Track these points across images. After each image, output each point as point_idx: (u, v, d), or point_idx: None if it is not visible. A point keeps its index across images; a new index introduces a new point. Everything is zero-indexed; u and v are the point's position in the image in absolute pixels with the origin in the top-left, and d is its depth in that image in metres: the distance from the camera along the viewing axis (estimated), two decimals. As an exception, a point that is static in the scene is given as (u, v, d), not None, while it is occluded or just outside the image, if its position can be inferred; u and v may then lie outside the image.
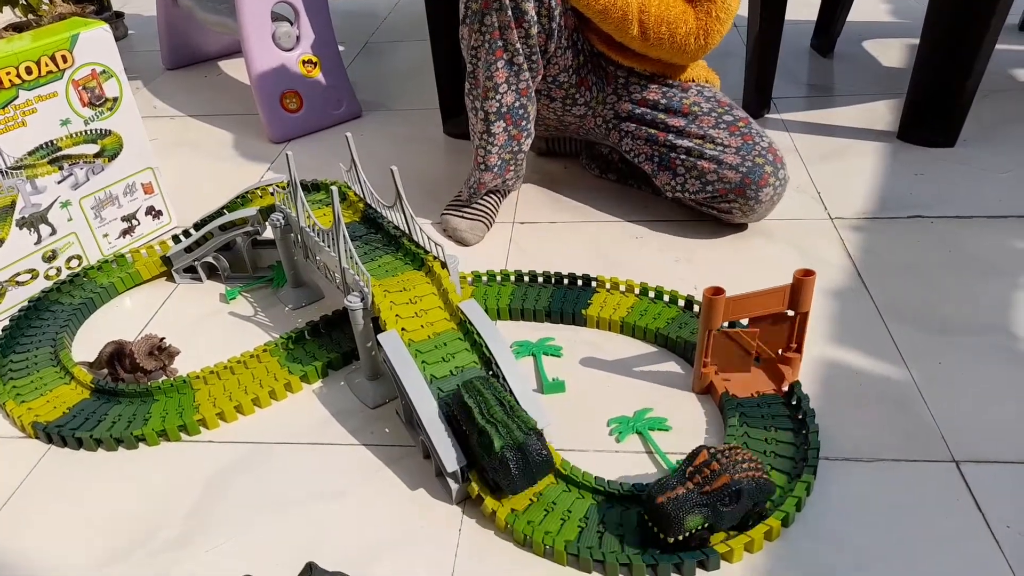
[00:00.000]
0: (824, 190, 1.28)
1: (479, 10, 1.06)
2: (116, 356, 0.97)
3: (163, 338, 0.97)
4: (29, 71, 1.05)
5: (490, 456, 0.73)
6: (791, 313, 0.86)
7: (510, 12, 1.05)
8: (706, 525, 0.69)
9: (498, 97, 1.12)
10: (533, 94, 1.15)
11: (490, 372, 0.84)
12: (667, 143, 1.16)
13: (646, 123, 1.19)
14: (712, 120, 1.14)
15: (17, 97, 1.05)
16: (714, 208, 1.15)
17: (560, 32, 1.11)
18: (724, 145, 1.12)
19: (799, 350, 0.88)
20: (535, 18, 1.07)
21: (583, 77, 1.19)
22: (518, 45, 1.08)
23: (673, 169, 1.16)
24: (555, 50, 1.13)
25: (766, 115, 1.55)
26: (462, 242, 1.21)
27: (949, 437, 0.82)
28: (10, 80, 1.04)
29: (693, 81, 1.20)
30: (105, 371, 0.98)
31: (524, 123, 1.16)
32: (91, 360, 1.00)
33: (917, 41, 1.36)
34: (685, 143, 1.14)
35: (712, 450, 0.71)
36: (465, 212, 1.22)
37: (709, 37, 1.10)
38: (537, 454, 0.74)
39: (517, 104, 1.13)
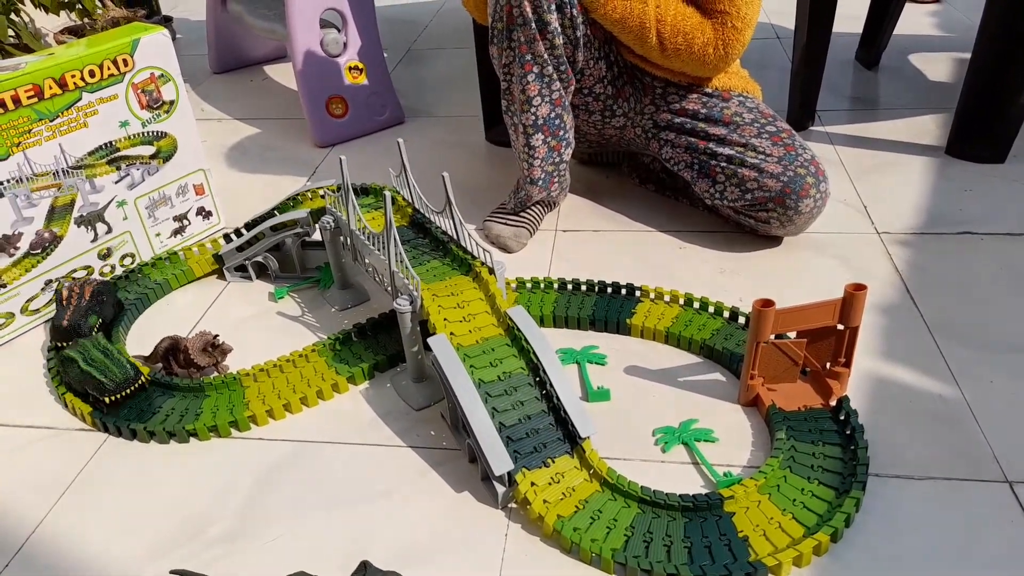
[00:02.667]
0: (870, 204, 1.27)
1: (504, 28, 1.09)
2: (171, 351, 0.99)
3: (217, 335, 1.00)
4: (92, 74, 1.08)
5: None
6: (841, 327, 0.85)
7: (534, 25, 1.07)
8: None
9: (533, 110, 1.13)
10: (568, 104, 1.16)
11: (537, 379, 0.84)
12: (707, 151, 1.16)
13: (686, 132, 1.19)
14: (754, 130, 1.14)
15: (80, 99, 1.08)
16: (752, 217, 1.15)
17: (589, 43, 1.12)
18: (766, 154, 1.11)
19: (848, 364, 0.87)
20: (559, 29, 1.08)
21: (620, 88, 1.20)
22: (545, 56, 1.09)
23: (713, 176, 1.16)
24: (586, 60, 1.14)
25: (810, 127, 1.54)
26: (505, 248, 1.22)
27: (1002, 457, 0.81)
28: (74, 83, 1.07)
29: (733, 91, 1.20)
30: (160, 365, 1.00)
31: (562, 133, 1.17)
32: (147, 354, 1.03)
33: (963, 55, 1.34)
34: (726, 151, 1.14)
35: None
36: (509, 220, 1.23)
37: (728, 47, 1.09)
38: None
39: (552, 115, 1.15)
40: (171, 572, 0.73)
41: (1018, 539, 0.73)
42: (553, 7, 1.06)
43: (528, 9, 1.06)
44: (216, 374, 0.99)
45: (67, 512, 0.83)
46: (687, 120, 1.18)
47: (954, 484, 0.78)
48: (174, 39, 2.35)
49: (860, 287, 0.82)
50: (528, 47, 1.09)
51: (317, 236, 1.17)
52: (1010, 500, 0.76)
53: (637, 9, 1.07)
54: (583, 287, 1.09)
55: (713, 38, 1.09)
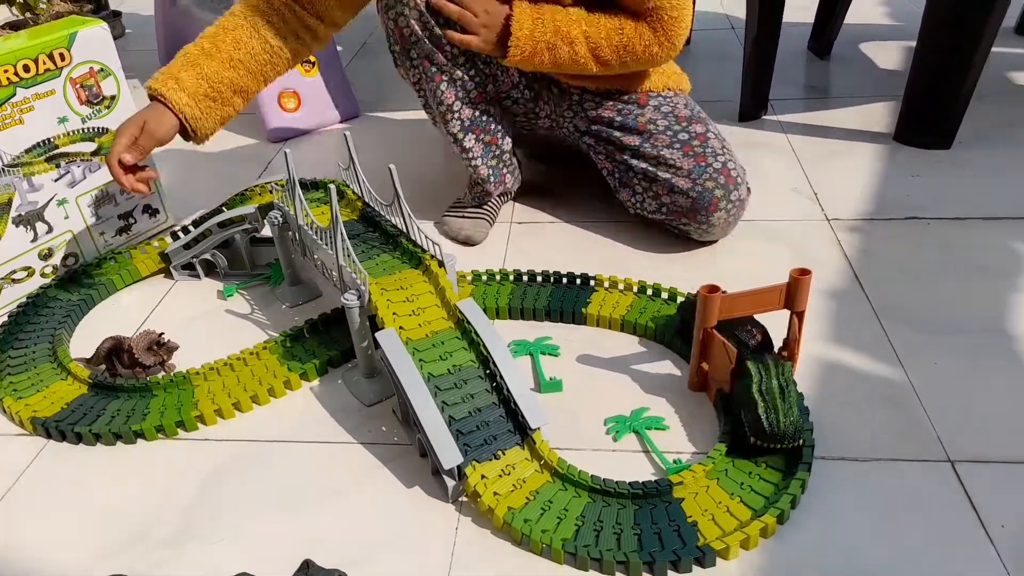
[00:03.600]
0: (821, 191, 1.29)
1: (401, 49, 1.10)
2: (114, 351, 0.97)
3: (162, 333, 0.97)
4: (27, 69, 1.05)
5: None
6: (787, 312, 0.86)
7: (427, 42, 1.06)
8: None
9: (455, 115, 1.13)
10: (491, 94, 1.15)
11: (487, 371, 0.84)
12: (624, 162, 1.15)
13: (603, 140, 1.18)
14: (667, 139, 1.12)
15: (15, 95, 1.05)
16: (672, 227, 1.15)
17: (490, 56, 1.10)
18: (676, 168, 1.10)
19: (795, 350, 0.88)
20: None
21: (538, 92, 1.19)
22: (448, 63, 1.09)
23: (632, 187, 1.15)
24: (496, 68, 1.13)
25: (763, 117, 1.56)
26: (469, 241, 1.21)
27: (944, 437, 0.82)
28: (8, 78, 1.03)
29: (653, 91, 1.17)
30: (103, 367, 0.97)
31: (493, 126, 1.16)
32: (88, 356, 1.00)
33: (914, 43, 1.36)
34: (640, 165, 1.13)
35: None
36: (467, 212, 1.23)
37: (672, 38, 1.05)
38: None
39: (477, 114, 1.14)
40: (111, 578, 0.71)
41: (959, 516, 0.74)
42: (441, 20, 1.05)
43: (417, 27, 1.05)
44: (163, 373, 0.97)
45: (4, 520, 0.81)
46: (603, 128, 1.17)
47: (898, 465, 0.80)
48: (123, 34, 2.30)
49: (805, 272, 0.83)
50: (429, 60, 1.08)
51: (267, 232, 1.15)
52: (951, 478, 0.78)
53: (566, 53, 1.04)
54: (538, 278, 1.09)
55: (653, 37, 1.05)
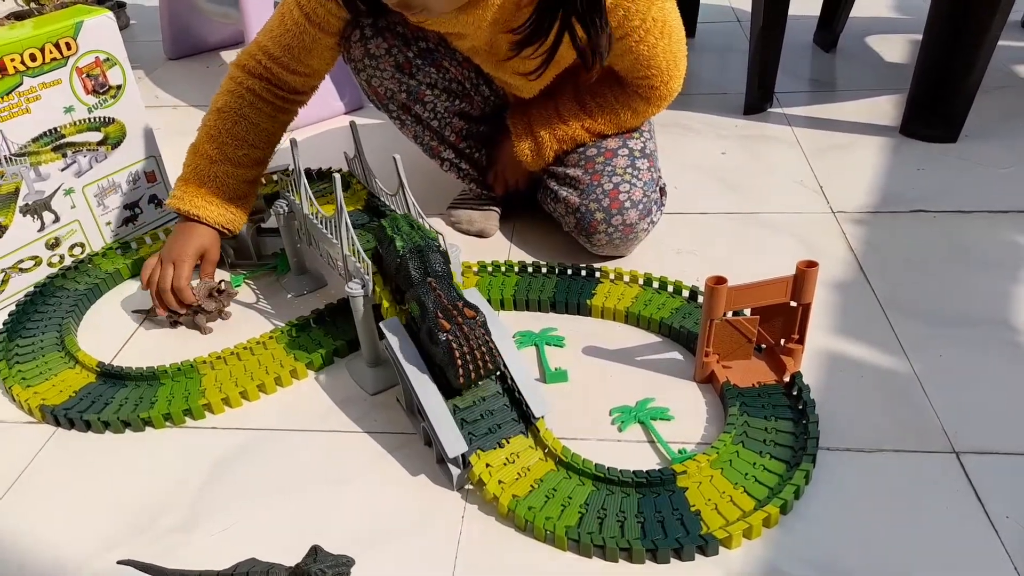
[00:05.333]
0: (826, 184, 1.29)
1: (381, 105, 1.13)
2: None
3: (221, 280, 1.03)
4: (33, 58, 1.05)
5: (395, 256, 0.82)
6: (794, 304, 0.86)
7: (404, 94, 1.09)
8: None
9: (444, 150, 1.17)
10: (476, 112, 1.16)
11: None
12: (547, 172, 1.14)
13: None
14: (577, 156, 1.10)
15: (21, 84, 1.05)
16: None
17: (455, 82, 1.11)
18: (571, 187, 1.08)
19: (801, 341, 0.88)
20: (421, 83, 1.09)
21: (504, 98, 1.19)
22: (427, 111, 1.12)
23: (550, 197, 1.13)
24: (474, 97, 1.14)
25: (769, 110, 1.55)
26: (482, 233, 1.21)
27: (949, 428, 0.82)
28: (14, 67, 1.04)
29: None
30: (165, 312, 1.03)
31: (479, 154, 1.19)
32: (146, 308, 1.05)
33: (919, 37, 1.36)
34: (552, 184, 1.12)
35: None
36: (475, 203, 1.23)
37: (669, 95, 1.05)
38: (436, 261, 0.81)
39: (463, 145, 1.17)
40: (119, 562, 0.71)
41: (963, 507, 0.74)
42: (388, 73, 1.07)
43: (392, 86, 1.08)
44: (219, 319, 1.04)
45: (13, 508, 0.81)
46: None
47: (902, 456, 0.80)
48: (128, 25, 2.30)
49: (812, 264, 0.83)
50: (407, 112, 1.12)
51: (272, 222, 1.15)
52: (956, 470, 0.78)
53: (569, 147, 1.09)
54: (543, 270, 1.09)
55: (648, 106, 1.07)
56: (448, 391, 0.80)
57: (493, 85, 1.14)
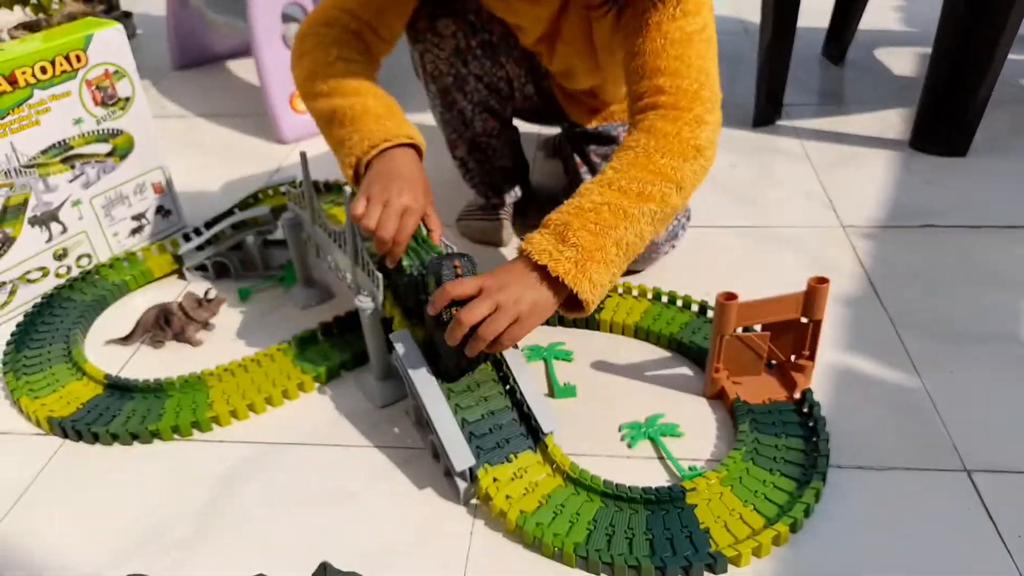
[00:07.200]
0: (836, 198, 1.28)
1: (424, 82, 1.12)
2: (163, 315, 1.01)
3: (207, 290, 1.03)
4: (44, 71, 1.06)
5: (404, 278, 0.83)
6: (804, 320, 0.86)
7: (450, 77, 1.08)
8: None
9: (463, 140, 1.16)
10: (502, 120, 1.17)
11: (500, 374, 0.84)
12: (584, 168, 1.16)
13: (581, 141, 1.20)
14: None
15: (31, 96, 1.05)
16: None
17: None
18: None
19: (812, 357, 0.88)
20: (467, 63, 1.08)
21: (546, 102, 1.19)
22: (464, 100, 1.11)
23: None
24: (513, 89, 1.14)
25: (778, 122, 1.55)
26: (499, 243, 1.22)
27: (961, 446, 0.82)
28: (25, 80, 1.04)
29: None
30: (148, 334, 1.02)
31: (497, 151, 1.19)
32: (124, 335, 1.04)
33: (929, 50, 1.36)
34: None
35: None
36: (484, 215, 1.23)
37: (716, 125, 0.85)
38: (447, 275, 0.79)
39: (486, 139, 1.16)
40: (126, 578, 0.71)
41: (975, 527, 0.73)
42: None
43: (443, 67, 1.07)
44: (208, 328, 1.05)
45: (21, 520, 0.81)
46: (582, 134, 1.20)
47: (914, 474, 0.79)
48: (134, 35, 2.31)
49: (823, 280, 0.83)
50: (447, 95, 1.10)
51: (280, 234, 1.15)
52: (968, 488, 0.77)
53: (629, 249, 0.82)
54: (550, 283, 1.08)
55: (679, 143, 0.82)
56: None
57: (541, 84, 1.15)
